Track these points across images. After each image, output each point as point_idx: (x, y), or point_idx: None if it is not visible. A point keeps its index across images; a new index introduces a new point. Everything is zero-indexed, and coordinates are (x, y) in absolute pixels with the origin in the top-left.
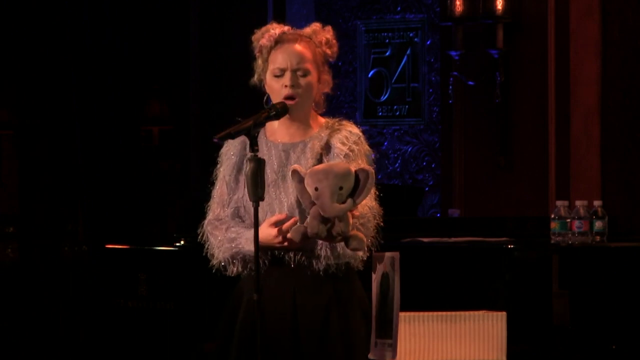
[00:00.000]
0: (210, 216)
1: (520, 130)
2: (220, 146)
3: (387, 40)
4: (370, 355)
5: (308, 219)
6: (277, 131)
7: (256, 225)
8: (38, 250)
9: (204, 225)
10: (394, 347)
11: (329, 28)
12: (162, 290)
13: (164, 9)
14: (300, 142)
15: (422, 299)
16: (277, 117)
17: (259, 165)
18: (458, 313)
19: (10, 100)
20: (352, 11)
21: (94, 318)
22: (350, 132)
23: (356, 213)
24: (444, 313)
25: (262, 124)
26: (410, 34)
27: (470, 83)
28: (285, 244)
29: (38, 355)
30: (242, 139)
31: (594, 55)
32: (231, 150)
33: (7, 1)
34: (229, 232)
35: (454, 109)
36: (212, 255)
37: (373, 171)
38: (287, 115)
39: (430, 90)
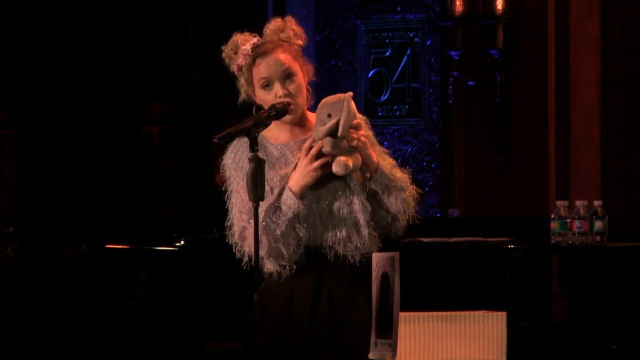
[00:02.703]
0: (238, 229)
1: (520, 130)
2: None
3: (387, 40)
4: (370, 355)
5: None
6: (279, 135)
7: (256, 225)
8: (38, 250)
9: (235, 242)
10: (394, 347)
11: (289, 18)
12: (162, 290)
13: (164, 9)
14: (305, 139)
15: (422, 299)
16: (277, 117)
17: (259, 165)
18: (458, 313)
19: (10, 100)
20: (352, 11)
21: (94, 318)
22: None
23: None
24: (444, 313)
25: (263, 124)
26: (410, 34)
27: (470, 83)
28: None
29: (38, 355)
30: (238, 146)
31: (594, 55)
32: (237, 159)
33: (7, 1)
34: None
35: (454, 109)
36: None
37: (346, 95)
38: (288, 119)
39: (430, 90)
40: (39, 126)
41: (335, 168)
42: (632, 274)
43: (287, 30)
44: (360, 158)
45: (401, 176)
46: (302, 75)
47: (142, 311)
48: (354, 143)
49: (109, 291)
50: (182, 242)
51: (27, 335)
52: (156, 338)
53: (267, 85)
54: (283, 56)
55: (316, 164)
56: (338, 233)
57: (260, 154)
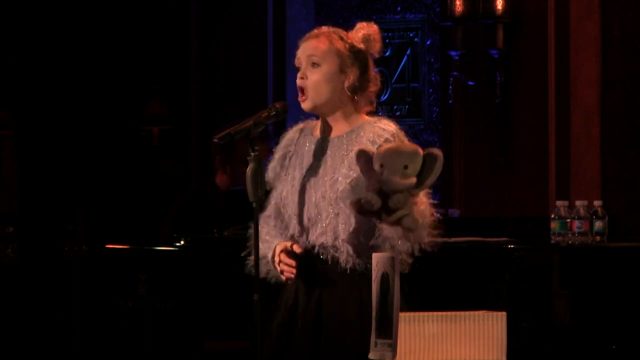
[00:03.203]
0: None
1: (520, 130)
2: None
3: (387, 40)
4: (370, 356)
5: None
6: (318, 127)
7: (256, 223)
8: (38, 250)
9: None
10: (394, 347)
11: (371, 24)
12: (162, 290)
13: (164, 9)
14: (336, 138)
15: (422, 299)
16: (277, 116)
17: (259, 165)
18: (458, 313)
19: (10, 100)
20: (352, 11)
21: (94, 318)
22: (383, 129)
23: (417, 200)
24: (444, 313)
25: (263, 124)
26: (410, 34)
27: (470, 83)
28: (282, 276)
29: (38, 355)
30: (293, 135)
31: (594, 55)
32: (279, 147)
33: (7, 1)
34: (264, 233)
35: (454, 109)
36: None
37: (441, 155)
38: (312, 111)
39: (430, 90)
40: (39, 126)
41: (409, 224)
42: (632, 274)
43: (360, 32)
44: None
45: (424, 209)
46: (336, 72)
47: (142, 311)
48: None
49: (109, 291)
50: (182, 242)
51: (27, 335)
52: (156, 338)
53: (298, 67)
54: (319, 44)
55: (286, 271)
56: (324, 241)
57: (294, 144)
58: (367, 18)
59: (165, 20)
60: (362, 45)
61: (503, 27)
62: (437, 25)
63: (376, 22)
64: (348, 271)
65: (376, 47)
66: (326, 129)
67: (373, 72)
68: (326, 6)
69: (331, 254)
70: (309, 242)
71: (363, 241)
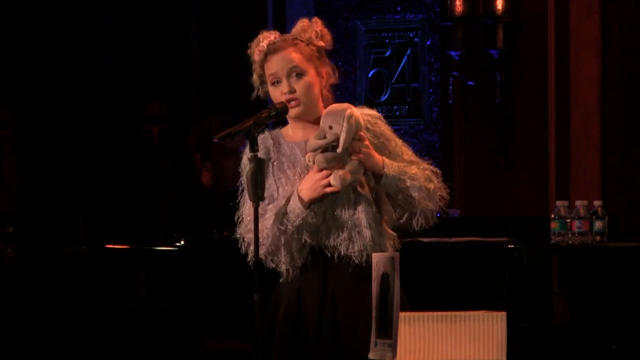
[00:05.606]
0: (244, 223)
1: (520, 130)
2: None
3: (387, 40)
4: (370, 355)
5: None
6: (294, 133)
7: (256, 225)
8: (38, 250)
9: (240, 235)
10: (394, 347)
11: (315, 19)
12: (162, 290)
13: (164, 9)
14: None
15: (422, 299)
16: (277, 116)
17: (259, 165)
18: (458, 313)
19: (10, 100)
20: (352, 11)
21: (94, 318)
22: (369, 114)
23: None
24: (444, 313)
25: (263, 124)
26: (410, 34)
27: (470, 83)
28: (328, 188)
29: (38, 355)
30: (265, 142)
31: (594, 55)
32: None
33: (7, 1)
34: (267, 215)
35: (454, 109)
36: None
37: (348, 110)
38: (299, 118)
39: (430, 90)
40: (39, 126)
41: (332, 181)
42: (632, 274)
43: (310, 30)
44: (360, 167)
45: (415, 172)
46: (315, 75)
47: (142, 311)
48: (357, 157)
49: (109, 291)
50: (182, 242)
51: (27, 335)
52: (156, 338)
53: (275, 82)
54: (293, 54)
55: (325, 181)
56: (340, 234)
57: (274, 152)
58: (367, 18)
59: (165, 20)
60: (320, 43)
61: (503, 27)
62: (437, 25)
63: (376, 22)
64: (359, 268)
65: (328, 39)
66: (304, 133)
67: (331, 63)
68: (326, 6)
69: (343, 251)
70: (319, 242)
71: (382, 225)
